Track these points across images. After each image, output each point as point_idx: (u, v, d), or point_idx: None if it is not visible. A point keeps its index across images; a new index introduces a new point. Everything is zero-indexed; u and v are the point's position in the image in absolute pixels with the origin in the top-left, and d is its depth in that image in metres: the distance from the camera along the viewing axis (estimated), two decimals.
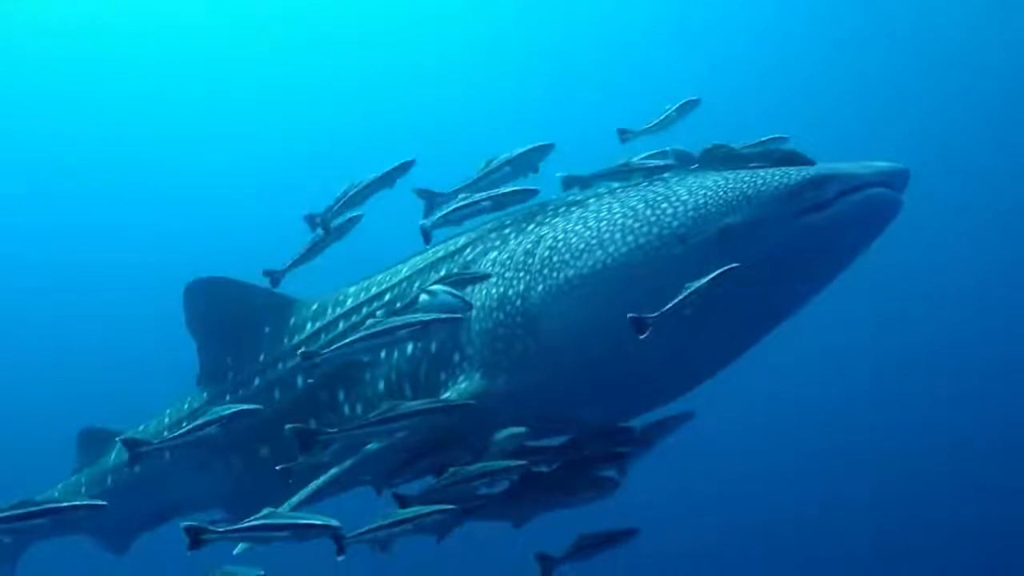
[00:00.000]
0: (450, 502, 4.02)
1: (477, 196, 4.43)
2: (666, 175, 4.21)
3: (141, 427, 5.77)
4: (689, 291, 3.47)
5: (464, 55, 21.22)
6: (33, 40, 20.79)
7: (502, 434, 3.96)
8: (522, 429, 3.96)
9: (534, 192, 4.42)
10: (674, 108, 4.97)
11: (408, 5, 21.50)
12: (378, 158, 5.22)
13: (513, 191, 4.40)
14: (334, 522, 3.75)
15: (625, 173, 4.30)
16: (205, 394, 5.50)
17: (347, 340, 4.19)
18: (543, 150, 4.49)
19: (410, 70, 21.12)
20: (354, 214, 4.85)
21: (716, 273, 3.46)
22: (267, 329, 5.32)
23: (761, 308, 3.97)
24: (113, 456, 5.90)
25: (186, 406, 5.56)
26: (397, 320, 4.12)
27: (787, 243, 3.74)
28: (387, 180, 4.75)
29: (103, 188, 20.56)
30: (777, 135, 4.29)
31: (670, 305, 3.48)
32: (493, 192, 4.40)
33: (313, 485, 4.28)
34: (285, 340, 5.22)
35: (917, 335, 15.56)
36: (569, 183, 4.43)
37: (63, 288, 19.17)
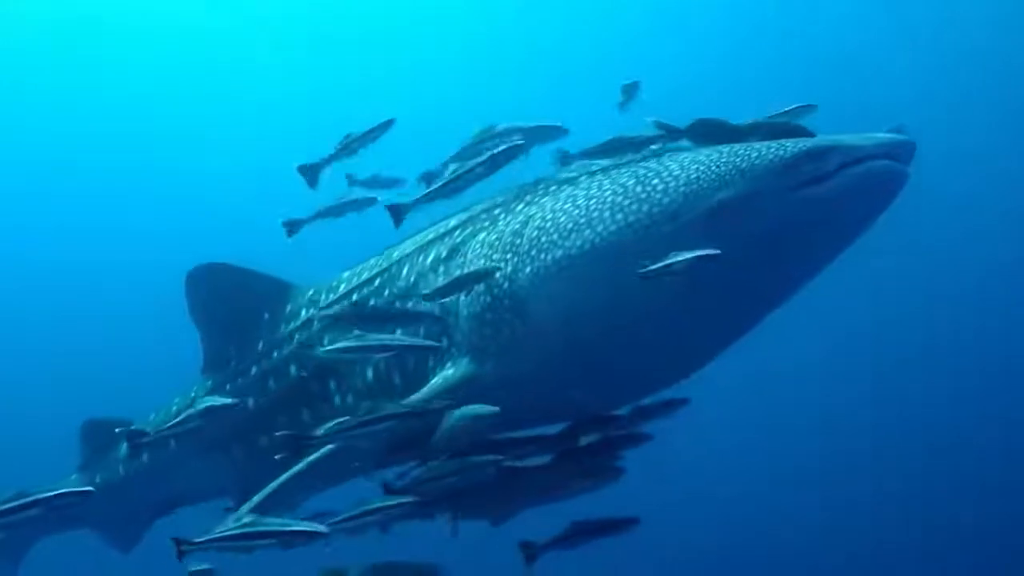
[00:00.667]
0: (442, 493, 3.98)
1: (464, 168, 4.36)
2: (659, 150, 4.10)
3: (151, 416, 5.76)
4: (695, 256, 3.38)
5: (464, 55, 21.20)
6: (33, 40, 20.78)
7: (470, 410, 3.85)
8: (493, 408, 3.83)
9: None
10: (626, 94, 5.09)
11: (408, 5, 21.50)
12: (378, 157, 5.27)
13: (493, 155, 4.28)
14: (321, 528, 3.72)
15: (617, 148, 4.21)
16: (209, 383, 5.48)
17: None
18: (554, 131, 4.42)
19: (410, 70, 21.09)
20: (369, 196, 5.09)
21: (704, 252, 3.37)
22: (266, 316, 5.29)
23: (758, 287, 3.82)
24: (124, 446, 5.89)
25: (192, 395, 5.53)
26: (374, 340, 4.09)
27: (784, 217, 3.58)
28: (371, 136, 5.14)
29: (103, 188, 20.55)
30: (803, 104, 4.22)
31: (679, 259, 3.39)
32: (476, 161, 4.32)
33: (274, 484, 4.22)
34: (281, 327, 5.19)
35: (918, 335, 15.51)
36: (565, 161, 4.33)
37: (63, 288, 19.15)
